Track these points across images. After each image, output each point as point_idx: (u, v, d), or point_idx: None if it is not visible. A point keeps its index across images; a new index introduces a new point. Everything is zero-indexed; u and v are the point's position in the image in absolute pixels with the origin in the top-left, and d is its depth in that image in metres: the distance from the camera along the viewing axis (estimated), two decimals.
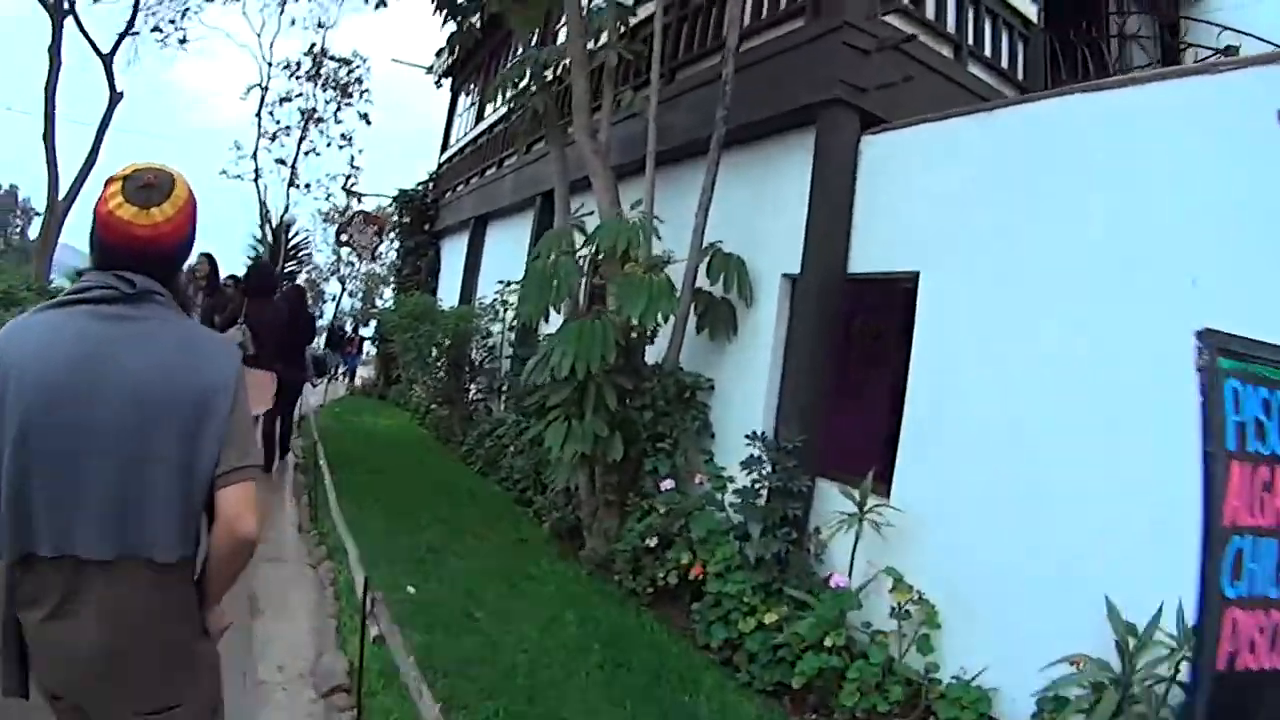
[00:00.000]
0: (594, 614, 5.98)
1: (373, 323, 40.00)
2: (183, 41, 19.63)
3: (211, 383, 1.82)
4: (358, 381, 22.59)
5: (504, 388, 11.47)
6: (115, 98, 15.94)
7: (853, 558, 5.23)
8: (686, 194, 7.14)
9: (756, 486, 5.97)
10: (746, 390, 6.75)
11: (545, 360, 6.28)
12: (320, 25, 23.88)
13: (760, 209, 6.93)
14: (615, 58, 7.52)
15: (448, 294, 15.45)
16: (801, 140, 6.53)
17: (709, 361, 7.09)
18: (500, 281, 11.44)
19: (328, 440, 10.61)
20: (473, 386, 12.36)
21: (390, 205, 20.43)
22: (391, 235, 20.70)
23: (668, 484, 6.38)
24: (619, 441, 6.42)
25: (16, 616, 1.80)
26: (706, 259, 6.70)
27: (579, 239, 7.13)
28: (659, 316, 6.12)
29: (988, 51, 7.40)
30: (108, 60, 15.95)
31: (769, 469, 5.95)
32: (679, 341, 6.81)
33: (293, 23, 25.10)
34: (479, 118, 16.75)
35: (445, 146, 19.84)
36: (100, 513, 1.73)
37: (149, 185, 1.81)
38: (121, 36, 16.77)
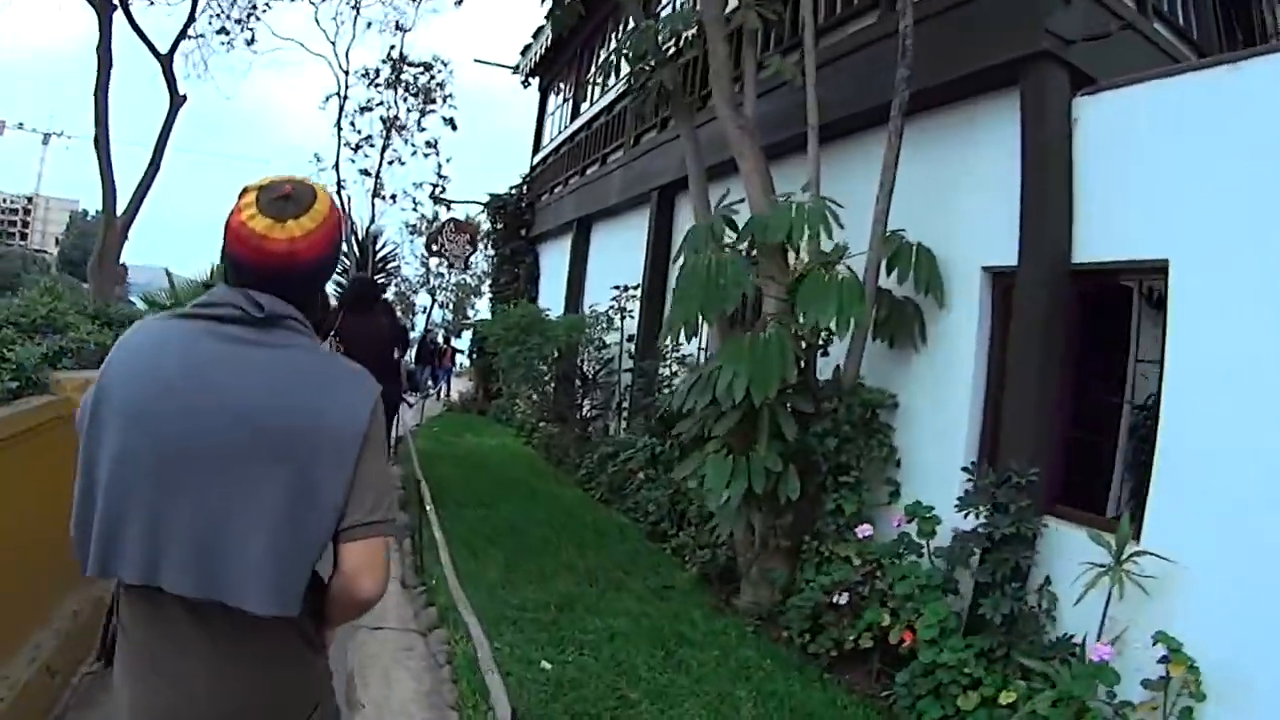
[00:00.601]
0: (771, 688, 4.95)
1: (465, 334, 40.02)
2: (250, 43, 19.08)
3: (338, 424, 1.64)
4: (454, 395, 21.91)
5: (623, 405, 10.46)
6: (177, 101, 14.93)
7: (1104, 619, 4.20)
8: (846, 176, 6.07)
9: (983, 531, 4.79)
10: (940, 409, 5.62)
11: (706, 383, 5.19)
12: (398, 27, 23.22)
13: (948, 190, 5.78)
14: (754, 18, 6.38)
15: (550, 302, 14.59)
16: (998, 105, 5.43)
17: (888, 375, 5.96)
18: (616, 287, 10.43)
19: (428, 465, 9.86)
20: (586, 402, 11.36)
21: (481, 212, 19.63)
22: (484, 243, 19.85)
23: (865, 530, 5.24)
24: (795, 477, 5.31)
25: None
26: (889, 252, 5.53)
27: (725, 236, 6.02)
28: (850, 324, 4.98)
29: (1164, 5, 6.34)
30: (166, 62, 14.99)
31: (993, 508, 4.77)
32: (859, 352, 5.68)
33: (369, 25, 24.09)
34: (574, 114, 15.87)
35: (537, 148, 19.06)
36: (194, 547, 1.57)
37: (286, 196, 1.67)
38: (180, 36, 16.01)
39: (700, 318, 5.25)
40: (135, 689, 1.69)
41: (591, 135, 13.96)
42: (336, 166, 24.05)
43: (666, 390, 9.01)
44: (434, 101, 24.54)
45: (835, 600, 5.23)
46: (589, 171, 13.76)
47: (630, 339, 10.47)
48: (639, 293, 10.29)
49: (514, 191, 18.28)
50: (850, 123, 6.39)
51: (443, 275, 37.39)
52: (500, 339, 11.79)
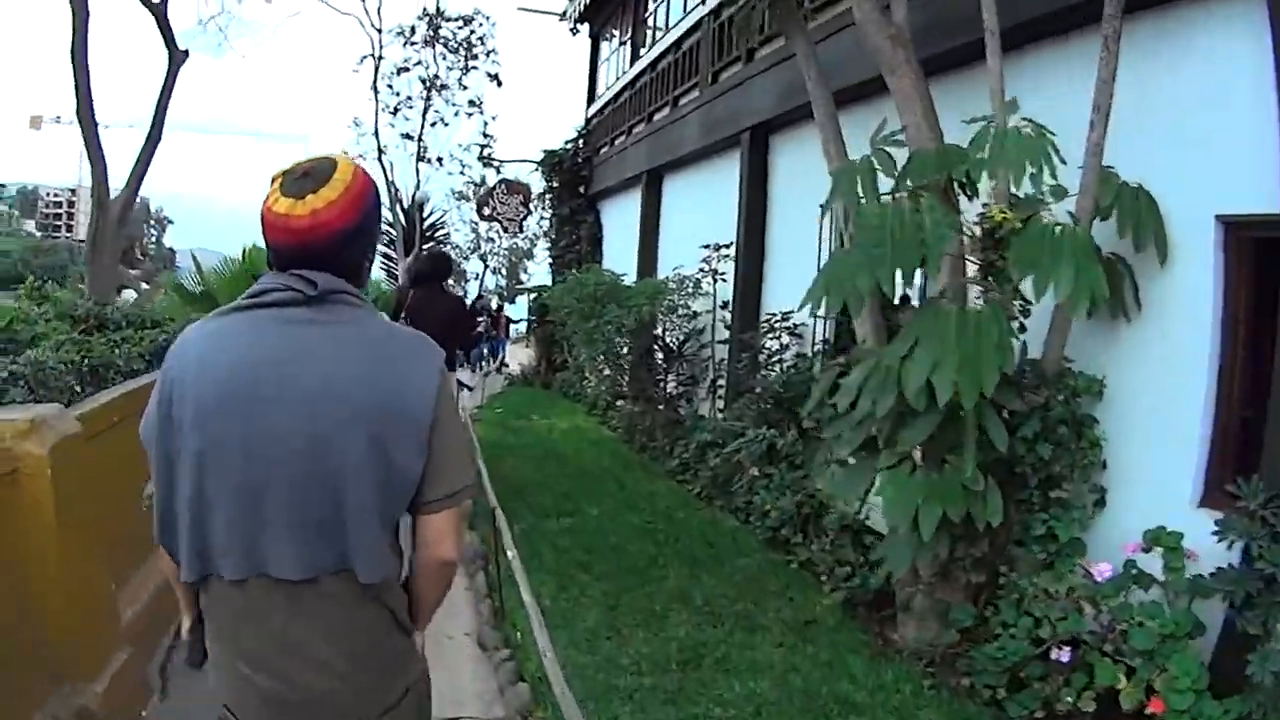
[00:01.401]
0: None
1: (519, 299, 39.13)
2: None
3: (407, 393, 1.67)
4: (514, 367, 20.71)
5: (718, 382, 9.20)
6: (177, 58, 12.90)
7: None
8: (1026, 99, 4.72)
9: (1258, 568, 3.51)
10: (1162, 398, 4.30)
11: (886, 377, 3.89)
12: None
13: (1165, 116, 4.37)
14: None
15: (617, 265, 13.37)
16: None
17: (1088, 353, 4.60)
18: (706, 246, 9.13)
19: (496, 459, 8.77)
20: (671, 378, 10.10)
21: (534, 171, 18.33)
22: (539, 204, 18.53)
23: (1104, 570, 3.93)
24: (998, 497, 4.01)
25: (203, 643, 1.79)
26: (1108, 196, 4.17)
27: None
28: (1089, 295, 3.65)
29: None
30: (160, 10, 12.90)
31: (1271, 538, 3.51)
32: (1065, 327, 4.34)
33: None
34: (634, 57, 14.51)
35: (592, 99, 17.74)
36: (291, 530, 1.62)
37: (305, 174, 1.69)
38: None
39: (878, 286, 3.85)
40: (234, 683, 1.71)
41: (657, 77, 12.59)
42: (376, 132, 22.91)
43: (775, 366, 7.73)
44: (475, 57, 23.25)
45: (1053, 655, 3.99)
46: (656, 118, 12.42)
47: (724, 305, 9.16)
48: (732, 252, 8.96)
49: (569, 147, 16.96)
50: (1035, 29, 4.99)
51: (494, 240, 36.45)
52: (573, 311, 10.53)
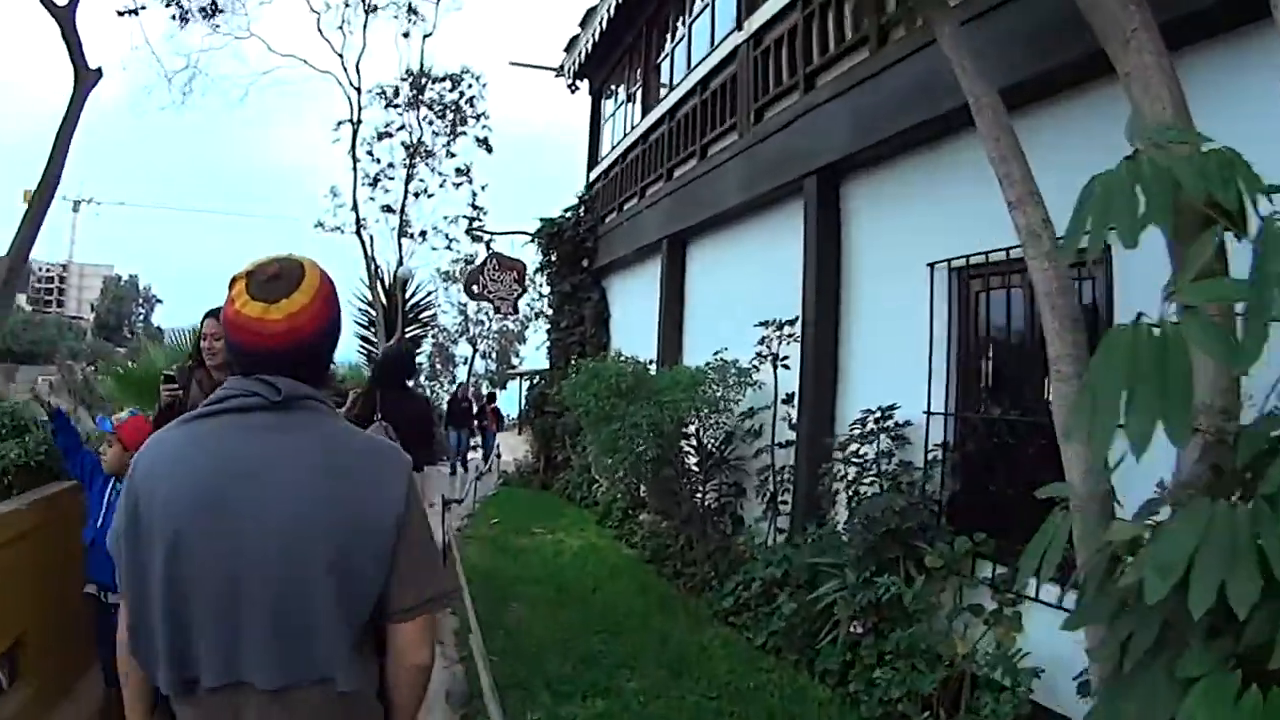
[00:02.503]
0: None
1: (511, 384, 37.38)
2: (209, 15, 16.50)
3: (372, 504, 1.69)
4: (507, 458, 18.69)
5: (780, 497, 7.35)
6: (84, 78, 10.69)
7: None
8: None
9: None
10: None
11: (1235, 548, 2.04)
12: (406, 36, 20.58)
13: None
14: None
15: (630, 348, 11.65)
16: None
17: None
18: (765, 324, 7.36)
19: (498, 606, 7.17)
20: (709, 488, 8.25)
21: (529, 243, 16.64)
22: (534, 281, 16.77)
23: None
24: None
25: None
26: None
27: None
28: None
29: None
30: (67, 19, 10.74)
31: None
32: None
33: (376, 10, 20.94)
34: (646, 108, 12.92)
35: (594, 161, 16.17)
36: (267, 637, 1.62)
37: (275, 277, 1.70)
38: None
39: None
40: None
41: (677, 127, 11.01)
42: (355, 204, 21.34)
43: (871, 481, 5.90)
44: (464, 122, 21.83)
45: None
46: (679, 173, 10.79)
47: (787, 399, 7.31)
48: (798, 328, 7.17)
49: (569, 216, 15.26)
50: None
51: (483, 323, 34.86)
52: (588, 410, 8.63)
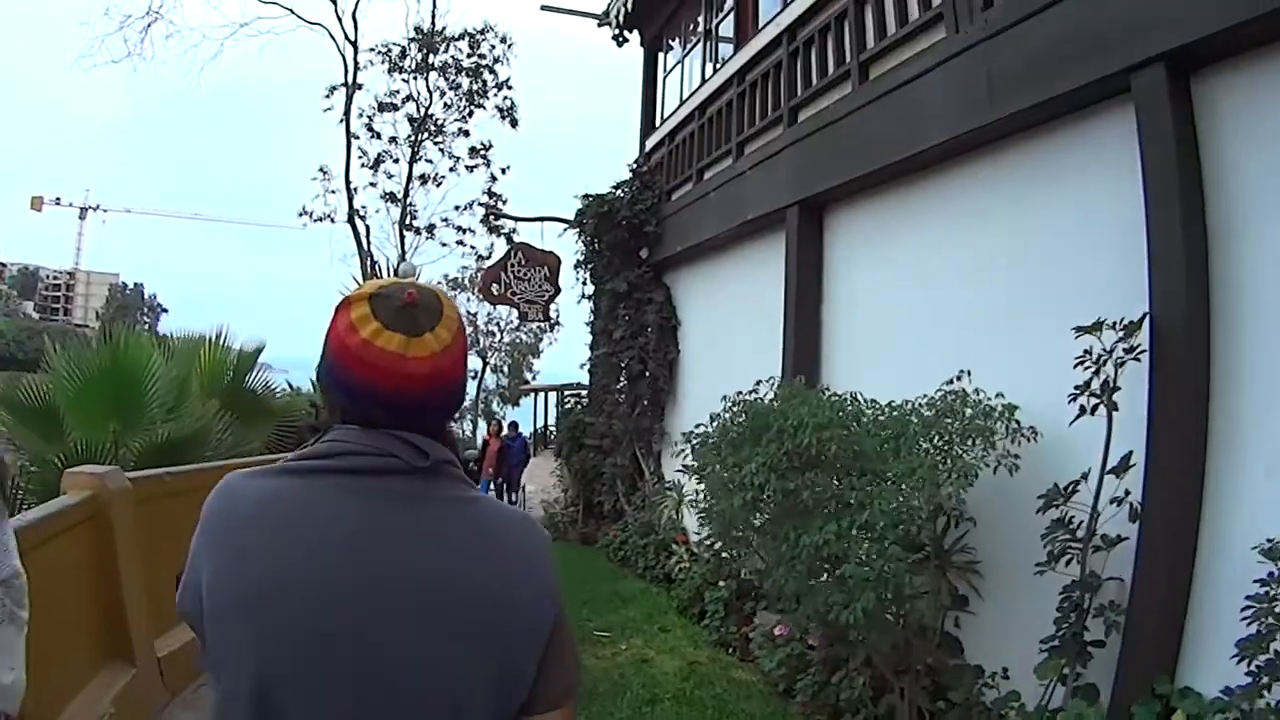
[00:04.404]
0: None
1: (523, 399, 34.36)
2: None
3: (531, 592, 1.36)
4: (530, 488, 15.21)
5: (1096, 638, 4.17)
6: None
7: None
8: None
9: None
10: None
11: None
12: None
13: None
14: None
15: (710, 368, 8.38)
16: None
17: None
18: (1088, 329, 4.13)
19: None
20: (920, 593, 5.01)
21: (565, 231, 13.46)
22: (577, 277, 13.46)
23: None
24: None
25: None
26: None
27: None
28: None
29: None
30: None
31: None
32: None
33: None
34: (739, 41, 9.76)
35: (650, 126, 13.04)
36: None
37: (413, 305, 1.33)
38: None
39: None
40: None
41: (796, 52, 7.95)
42: (348, 184, 18.14)
43: None
44: (484, 92, 18.68)
45: None
46: (807, 114, 7.64)
47: (1122, 465, 4.05)
48: (1144, 336, 3.99)
49: (622, 193, 12.06)
50: None
51: (494, 334, 31.71)
52: (761, 488, 5.24)
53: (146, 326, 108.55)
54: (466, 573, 1.30)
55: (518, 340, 32.31)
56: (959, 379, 4.92)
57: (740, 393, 5.84)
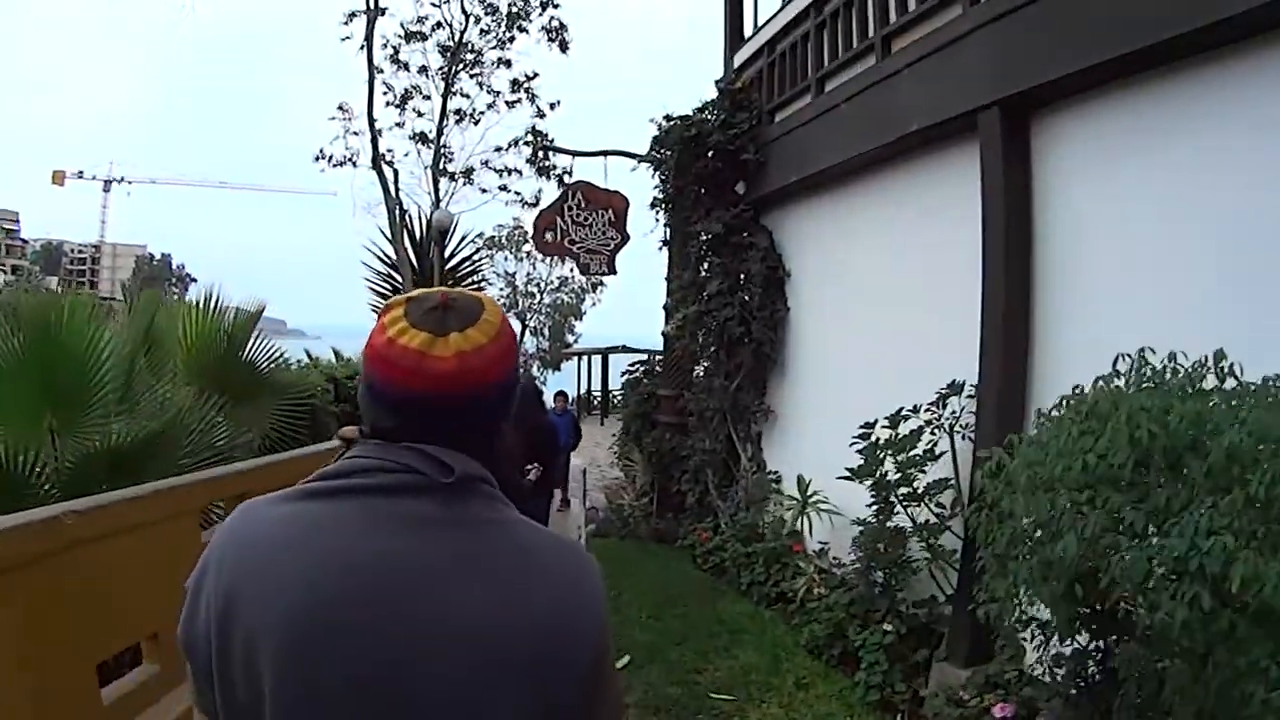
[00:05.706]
0: None
1: (564, 364, 32.62)
2: None
3: (574, 630, 1.23)
4: (577, 461, 13.26)
5: None
6: None
7: None
8: None
9: None
10: None
11: None
12: None
13: None
14: None
15: (838, 336, 7.05)
16: None
17: None
18: None
19: None
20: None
21: (638, 166, 11.39)
22: (657, 218, 11.40)
23: None
24: None
25: None
26: None
27: None
28: None
29: None
30: None
31: None
32: None
33: None
34: None
35: (737, 40, 10.92)
36: None
37: (444, 306, 1.27)
38: None
39: None
40: None
41: None
42: (371, 124, 16.17)
43: None
44: (526, 14, 16.65)
45: None
46: None
47: None
48: None
49: (711, 116, 9.98)
50: None
51: (534, 294, 29.84)
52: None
53: (175, 296, 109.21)
54: (506, 606, 1.17)
55: (559, 301, 30.46)
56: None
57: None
